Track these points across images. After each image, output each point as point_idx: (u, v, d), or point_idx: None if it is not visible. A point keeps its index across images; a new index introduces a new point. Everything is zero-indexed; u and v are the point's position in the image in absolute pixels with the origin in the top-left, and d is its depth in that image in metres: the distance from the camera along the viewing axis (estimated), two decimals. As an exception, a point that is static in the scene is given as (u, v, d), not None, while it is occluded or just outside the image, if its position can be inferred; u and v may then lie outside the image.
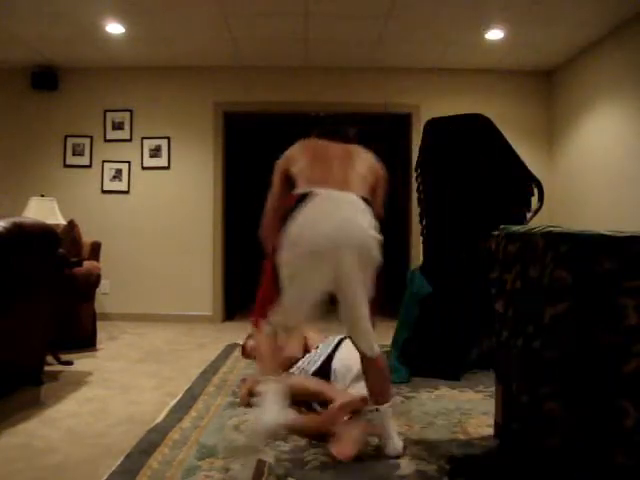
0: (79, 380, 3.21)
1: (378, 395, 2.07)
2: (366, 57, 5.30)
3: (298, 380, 2.48)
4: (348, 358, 2.57)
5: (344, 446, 2.01)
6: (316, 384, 2.47)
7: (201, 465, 1.97)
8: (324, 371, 2.57)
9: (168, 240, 5.63)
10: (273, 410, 1.89)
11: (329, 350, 2.71)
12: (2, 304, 2.54)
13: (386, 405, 2.04)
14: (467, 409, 2.67)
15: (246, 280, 6.51)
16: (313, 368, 2.57)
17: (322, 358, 2.64)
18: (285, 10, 4.24)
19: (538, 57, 5.23)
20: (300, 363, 2.65)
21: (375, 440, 2.22)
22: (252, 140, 7.97)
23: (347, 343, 2.63)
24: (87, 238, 4.59)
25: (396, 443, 2.05)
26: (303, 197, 1.94)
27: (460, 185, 3.46)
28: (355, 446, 2.02)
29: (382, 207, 2.19)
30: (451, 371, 3.25)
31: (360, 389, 2.31)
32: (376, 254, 1.97)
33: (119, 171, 5.63)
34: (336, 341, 2.78)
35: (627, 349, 1.44)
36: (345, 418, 2.18)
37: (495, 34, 4.66)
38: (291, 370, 2.54)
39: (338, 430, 2.09)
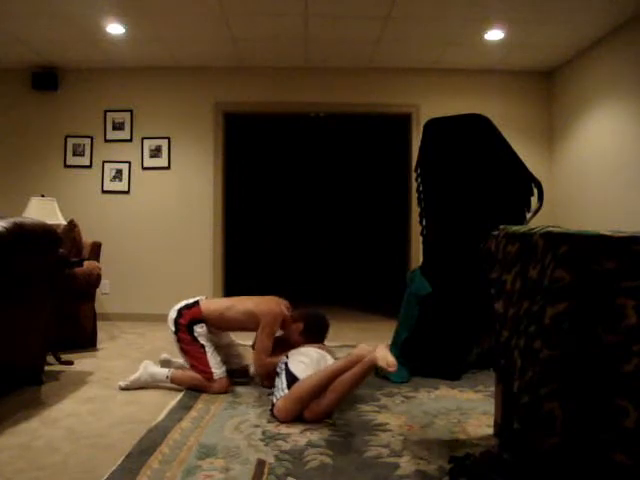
0: (79, 380, 3.21)
1: None
2: (366, 57, 5.30)
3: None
4: (299, 359, 2.73)
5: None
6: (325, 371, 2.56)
7: (201, 465, 1.98)
8: (291, 379, 2.58)
9: (168, 240, 5.63)
10: None
11: (283, 367, 2.73)
12: (2, 304, 2.54)
13: None
14: (467, 409, 2.67)
15: (246, 280, 6.52)
16: (284, 385, 2.58)
17: (284, 377, 2.64)
18: (285, 10, 4.24)
19: (538, 57, 5.23)
20: (276, 391, 2.65)
21: (375, 440, 2.23)
22: (252, 140, 7.98)
23: (292, 353, 2.85)
24: (87, 238, 4.59)
25: None
26: None
27: (460, 185, 3.47)
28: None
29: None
30: (451, 371, 3.25)
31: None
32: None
33: (119, 171, 5.64)
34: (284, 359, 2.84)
35: (627, 349, 1.44)
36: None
37: (495, 34, 4.66)
38: (273, 399, 2.57)
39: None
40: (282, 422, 2.45)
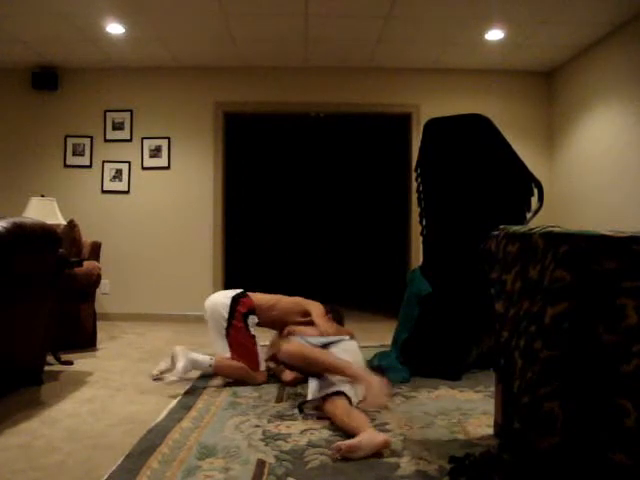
0: (79, 380, 3.21)
1: None
2: (366, 57, 5.30)
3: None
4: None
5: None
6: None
7: (201, 465, 1.97)
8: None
9: (168, 240, 5.63)
10: None
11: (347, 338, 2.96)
12: (2, 304, 2.54)
13: None
14: (467, 409, 2.67)
15: (246, 279, 6.52)
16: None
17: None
18: (285, 10, 4.24)
19: (538, 57, 5.23)
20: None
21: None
22: (252, 140, 7.98)
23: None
24: (87, 238, 4.59)
25: None
26: None
27: (460, 185, 3.46)
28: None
29: None
30: (451, 371, 3.25)
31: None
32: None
33: (119, 171, 5.64)
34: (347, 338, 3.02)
35: (627, 349, 1.44)
36: None
37: (495, 34, 4.66)
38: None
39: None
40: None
